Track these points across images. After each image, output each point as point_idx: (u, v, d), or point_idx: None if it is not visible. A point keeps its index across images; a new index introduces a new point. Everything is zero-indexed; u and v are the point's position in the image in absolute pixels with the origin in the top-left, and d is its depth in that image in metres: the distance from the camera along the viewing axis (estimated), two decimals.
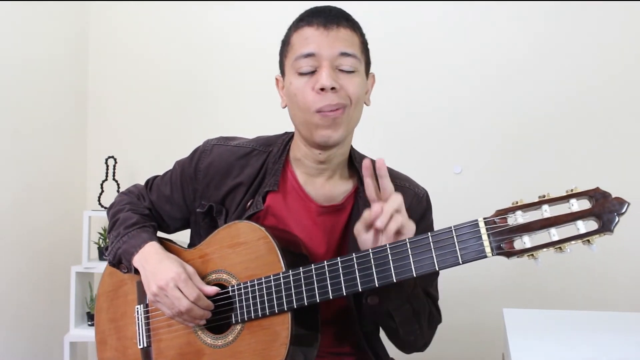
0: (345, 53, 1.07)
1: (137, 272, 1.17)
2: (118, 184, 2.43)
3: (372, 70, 1.18)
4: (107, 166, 2.45)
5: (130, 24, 2.66)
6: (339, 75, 1.07)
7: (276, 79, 1.19)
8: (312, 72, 1.08)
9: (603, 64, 2.16)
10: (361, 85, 1.10)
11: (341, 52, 1.07)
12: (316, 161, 1.15)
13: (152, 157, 2.57)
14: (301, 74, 1.08)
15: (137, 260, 1.16)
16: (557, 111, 2.20)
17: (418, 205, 1.21)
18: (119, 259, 1.20)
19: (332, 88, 1.05)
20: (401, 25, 2.35)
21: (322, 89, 1.05)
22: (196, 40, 2.57)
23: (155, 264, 1.12)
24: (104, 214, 2.33)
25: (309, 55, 1.07)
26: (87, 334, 2.30)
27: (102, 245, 2.42)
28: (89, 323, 2.36)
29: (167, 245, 1.22)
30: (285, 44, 1.14)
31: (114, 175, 2.45)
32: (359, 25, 1.14)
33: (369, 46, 1.16)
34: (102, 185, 2.44)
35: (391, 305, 1.07)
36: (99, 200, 2.43)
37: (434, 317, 1.20)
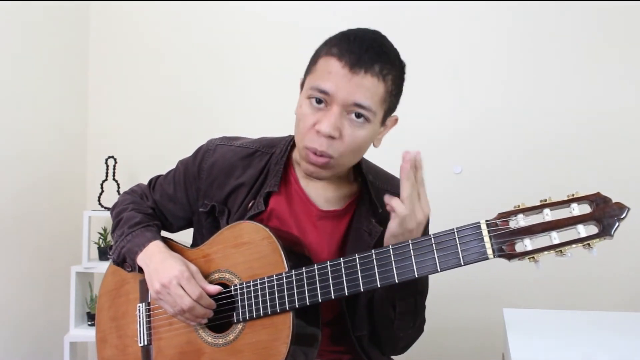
0: (359, 105, 1.03)
1: (141, 270, 1.17)
2: (118, 184, 2.43)
3: None
4: (107, 166, 2.45)
5: (130, 23, 2.66)
6: (345, 122, 1.05)
7: (300, 83, 1.14)
8: (323, 106, 1.05)
9: (605, 66, 2.16)
10: (366, 137, 1.08)
11: (356, 103, 1.03)
12: None
13: (152, 157, 2.57)
14: (312, 103, 1.06)
15: (141, 259, 1.16)
16: (559, 113, 2.20)
17: None
18: (123, 257, 1.21)
19: (331, 137, 1.04)
20: (400, 24, 2.34)
21: (319, 132, 1.04)
22: (197, 40, 2.57)
23: (158, 262, 1.13)
24: (104, 214, 2.34)
25: (324, 92, 1.04)
26: (87, 334, 2.30)
27: (102, 245, 2.42)
28: (89, 323, 2.36)
29: (170, 244, 1.22)
30: (313, 61, 1.10)
31: (114, 175, 2.45)
32: (396, 65, 1.08)
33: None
34: (102, 185, 2.44)
35: (398, 294, 1.07)
36: (99, 200, 2.43)
37: (423, 321, 1.20)
